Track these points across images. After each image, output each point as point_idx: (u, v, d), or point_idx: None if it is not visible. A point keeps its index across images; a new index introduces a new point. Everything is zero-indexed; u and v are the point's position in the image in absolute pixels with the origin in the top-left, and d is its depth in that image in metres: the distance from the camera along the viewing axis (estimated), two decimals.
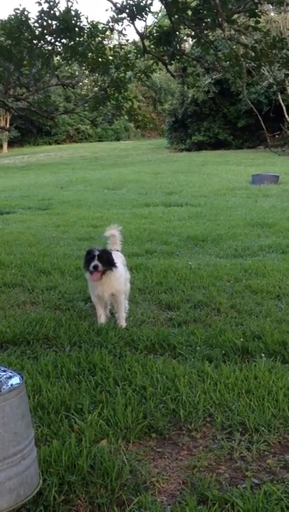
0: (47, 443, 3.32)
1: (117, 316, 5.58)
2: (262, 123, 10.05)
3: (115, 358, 4.61)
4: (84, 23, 8.43)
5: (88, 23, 8.70)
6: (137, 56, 9.29)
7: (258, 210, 13.51)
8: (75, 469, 3.05)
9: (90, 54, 9.12)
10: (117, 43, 10.04)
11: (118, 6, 7.94)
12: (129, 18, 8.01)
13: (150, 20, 28.75)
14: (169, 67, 8.85)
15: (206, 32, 7.85)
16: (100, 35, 9.05)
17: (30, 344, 5.04)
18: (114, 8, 8.26)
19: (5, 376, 2.81)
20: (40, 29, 8.25)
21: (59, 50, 8.85)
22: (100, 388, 4.04)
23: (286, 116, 34.80)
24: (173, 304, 6.15)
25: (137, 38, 8.75)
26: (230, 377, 4.11)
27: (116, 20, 8.60)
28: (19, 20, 8.20)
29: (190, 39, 8.69)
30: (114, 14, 8.53)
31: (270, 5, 9.59)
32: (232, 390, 3.95)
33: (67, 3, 8.18)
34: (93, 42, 8.98)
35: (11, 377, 2.81)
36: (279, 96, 32.71)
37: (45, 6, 8.07)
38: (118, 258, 5.67)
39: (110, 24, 8.85)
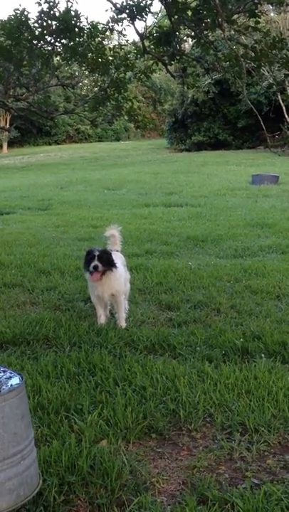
0: (47, 443, 3.32)
1: (117, 316, 5.58)
2: (262, 123, 10.06)
3: (115, 359, 4.61)
4: (84, 23, 8.45)
5: (88, 24, 8.72)
6: (137, 56, 9.29)
7: (257, 211, 13.51)
8: (75, 470, 3.05)
9: (89, 54, 9.12)
10: (116, 43, 10.05)
11: (118, 6, 7.94)
12: (129, 19, 8.01)
13: (150, 20, 28.78)
14: (168, 67, 8.86)
15: (205, 32, 7.85)
16: (100, 36, 9.05)
17: (30, 344, 5.04)
18: (114, 9, 8.27)
19: (5, 376, 2.81)
20: (40, 29, 8.25)
21: (59, 50, 8.85)
22: (99, 388, 4.04)
23: (286, 116, 34.81)
24: (173, 304, 6.15)
25: (137, 39, 8.76)
26: (230, 378, 4.12)
27: (116, 21, 8.61)
28: (19, 21, 8.20)
29: (190, 39, 8.70)
30: (114, 14, 8.54)
31: (269, 5, 9.59)
32: (232, 391, 3.95)
33: (67, 3, 8.18)
34: (93, 42, 8.98)
35: (10, 377, 2.81)
36: (279, 96, 32.71)
37: (45, 7, 8.08)
38: (118, 258, 5.68)
39: (110, 24, 8.86)
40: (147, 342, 4.94)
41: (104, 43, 9.53)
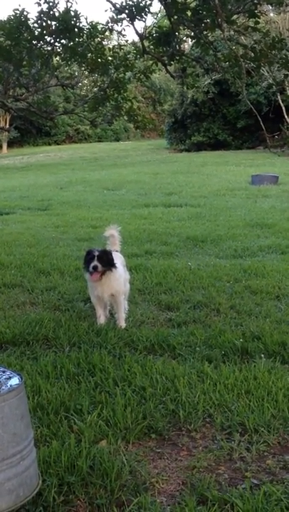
0: (46, 444, 3.32)
1: (117, 316, 5.58)
2: (261, 123, 10.05)
3: (115, 359, 4.60)
4: (83, 23, 8.45)
5: (88, 24, 8.71)
6: (137, 57, 9.29)
7: (257, 211, 13.51)
8: (74, 470, 3.05)
9: (89, 54, 9.12)
10: (116, 43, 10.05)
11: (117, 6, 7.95)
12: (128, 19, 8.01)
13: (149, 20, 28.78)
14: (168, 67, 8.86)
15: (205, 32, 7.85)
16: (100, 36, 9.05)
17: (30, 345, 5.04)
18: (113, 9, 8.27)
19: (4, 377, 2.81)
20: (39, 29, 8.25)
21: (58, 50, 8.84)
22: (99, 389, 4.04)
23: (285, 116, 34.82)
24: (172, 304, 6.15)
25: (137, 39, 8.76)
26: (229, 378, 4.11)
27: (115, 21, 8.61)
28: (18, 21, 8.20)
29: (189, 40, 8.70)
30: (114, 15, 8.54)
31: (269, 5, 9.59)
32: (231, 391, 3.95)
33: (66, 3, 8.18)
34: (93, 42, 8.98)
35: (10, 377, 2.81)
36: (278, 96, 32.72)
37: (45, 7, 8.08)
38: (117, 259, 5.67)
39: (110, 25, 8.87)
40: (147, 342, 4.94)
41: (103, 43, 9.53)
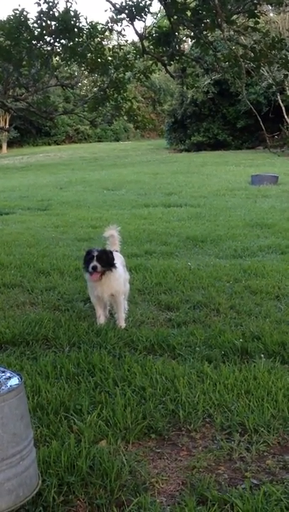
0: (46, 444, 3.32)
1: (117, 316, 5.58)
2: (261, 123, 10.03)
3: (114, 359, 4.60)
4: (83, 23, 8.46)
5: (87, 24, 8.72)
6: (136, 57, 9.29)
7: (257, 211, 13.51)
8: (74, 470, 3.05)
9: (89, 54, 9.12)
10: (116, 43, 10.05)
11: (117, 6, 7.95)
12: (128, 19, 8.02)
13: (149, 20, 28.79)
14: (168, 67, 8.86)
15: (205, 32, 7.85)
16: (99, 36, 9.06)
17: (30, 345, 5.03)
18: (113, 9, 8.27)
19: (4, 377, 2.81)
20: (39, 29, 8.25)
21: (58, 50, 8.85)
22: (99, 389, 4.04)
23: (285, 116, 34.81)
24: (172, 304, 6.15)
25: (136, 39, 8.76)
26: (229, 378, 4.11)
27: (115, 21, 8.62)
28: (18, 21, 8.20)
29: (189, 40, 8.70)
30: (114, 15, 8.55)
31: (269, 5, 9.59)
32: (231, 391, 3.94)
33: (66, 3, 8.18)
34: (92, 42, 8.99)
35: (10, 377, 2.81)
36: (278, 96, 32.71)
37: (45, 7, 8.09)
38: (117, 259, 5.67)
39: (109, 25, 8.87)
40: (147, 342, 4.94)
41: (103, 43, 9.53)
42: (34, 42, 8.45)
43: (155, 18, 9.97)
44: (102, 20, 13.80)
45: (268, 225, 11.31)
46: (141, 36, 8.13)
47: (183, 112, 42.04)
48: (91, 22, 8.81)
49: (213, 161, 31.58)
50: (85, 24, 8.60)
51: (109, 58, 9.49)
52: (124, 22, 8.39)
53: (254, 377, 4.13)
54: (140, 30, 8.15)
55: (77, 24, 8.23)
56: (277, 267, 7.79)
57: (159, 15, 10.24)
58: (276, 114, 33.97)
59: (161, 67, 9.24)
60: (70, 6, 8.17)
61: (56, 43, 8.61)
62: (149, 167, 29.36)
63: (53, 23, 8.17)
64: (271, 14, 30.01)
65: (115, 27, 8.84)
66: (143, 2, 7.75)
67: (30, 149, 51.45)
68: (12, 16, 8.27)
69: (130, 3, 7.82)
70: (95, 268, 5.33)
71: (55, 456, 3.14)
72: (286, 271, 7.52)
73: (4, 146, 52.95)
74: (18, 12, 8.22)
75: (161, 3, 7.64)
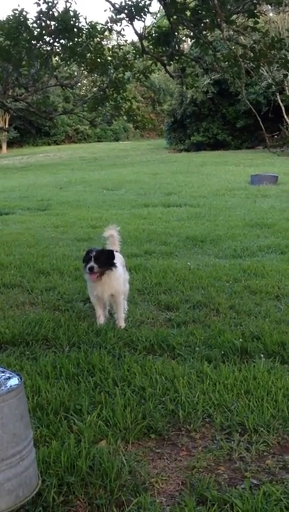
0: (46, 444, 3.32)
1: (116, 316, 5.57)
2: (261, 123, 10.02)
3: (114, 359, 4.60)
4: (82, 23, 8.47)
5: (87, 24, 8.73)
6: (136, 57, 9.29)
7: (256, 211, 13.51)
8: (74, 470, 3.05)
9: (88, 54, 9.13)
10: (115, 43, 10.06)
11: (117, 6, 7.95)
12: (127, 19, 8.02)
13: (149, 20, 28.81)
14: (167, 67, 8.86)
15: (204, 32, 7.86)
16: (99, 36, 9.06)
17: (30, 345, 5.03)
18: (112, 9, 8.28)
19: (4, 377, 2.81)
20: (38, 30, 8.26)
21: (58, 50, 8.86)
22: (99, 389, 4.04)
23: (285, 116, 34.81)
24: (172, 304, 6.15)
25: (136, 39, 8.77)
26: (229, 378, 4.11)
27: (115, 21, 8.62)
28: (18, 21, 8.20)
29: (189, 39, 8.69)
30: (113, 15, 8.55)
31: (268, 5, 9.59)
32: (231, 391, 3.94)
33: (65, 3, 8.18)
34: (92, 42, 8.99)
35: (9, 378, 2.80)
36: (278, 96, 32.70)
37: (44, 7, 8.10)
38: (117, 259, 5.66)
39: (109, 25, 8.87)
40: (146, 342, 4.94)
41: (103, 43, 9.54)
42: (34, 42, 8.46)
43: (155, 18, 9.99)
44: (101, 20, 13.78)
45: (267, 225, 11.31)
46: (140, 36, 8.13)
47: (182, 111, 42.05)
48: (90, 22, 8.83)
49: (213, 160, 31.58)
50: (85, 24, 8.63)
51: (109, 58, 9.50)
52: (124, 22, 8.41)
53: (254, 377, 4.13)
54: (140, 30, 8.16)
55: (77, 24, 8.24)
56: (277, 266, 7.79)
57: (158, 15, 10.26)
58: (276, 114, 33.94)
59: (161, 67, 9.24)
60: (70, 6, 8.19)
61: (56, 43, 8.62)
62: (149, 167, 29.36)
63: (53, 23, 8.18)
64: (271, 14, 30.01)
65: (115, 27, 8.86)
66: (142, 2, 7.75)
67: (30, 149, 51.45)
68: (11, 16, 8.28)
69: (130, 3, 7.82)
70: (91, 269, 5.33)
71: (54, 456, 3.14)
72: (286, 271, 7.52)
73: (4, 146, 52.96)
74: (17, 12, 8.23)
75: (160, 3, 7.64)
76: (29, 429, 2.79)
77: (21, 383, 2.76)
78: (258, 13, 7.43)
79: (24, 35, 8.30)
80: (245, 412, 3.65)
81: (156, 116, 57.58)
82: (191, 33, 7.95)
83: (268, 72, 12.94)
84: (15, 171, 32.60)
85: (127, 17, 7.99)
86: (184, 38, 8.77)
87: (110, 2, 7.97)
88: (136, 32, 8.12)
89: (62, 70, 12.69)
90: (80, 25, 8.30)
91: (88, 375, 4.29)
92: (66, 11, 8.12)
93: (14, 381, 2.77)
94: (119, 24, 8.63)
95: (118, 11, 8.09)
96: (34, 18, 8.19)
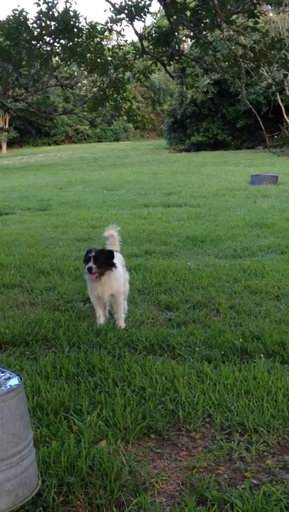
0: (46, 444, 3.32)
1: (116, 316, 5.57)
2: (261, 123, 10.02)
3: (114, 359, 4.60)
4: (82, 23, 8.48)
5: (87, 24, 8.73)
6: (136, 57, 9.29)
7: (257, 211, 13.51)
8: (74, 470, 3.05)
9: (88, 55, 9.13)
10: (115, 43, 10.06)
11: (117, 6, 7.95)
12: (127, 19, 8.02)
13: (149, 20, 28.81)
14: (167, 67, 8.86)
15: (204, 32, 7.86)
16: (99, 36, 9.07)
17: (29, 345, 5.03)
18: (112, 9, 8.28)
19: (4, 377, 2.81)
20: (38, 30, 8.26)
21: (58, 50, 8.86)
22: (99, 389, 4.04)
23: (285, 116, 34.81)
24: (172, 304, 6.15)
25: (136, 39, 8.77)
26: (229, 378, 4.11)
27: (115, 21, 8.63)
28: (18, 21, 8.21)
29: (189, 40, 8.69)
30: (113, 15, 8.55)
31: (268, 5, 9.60)
32: (231, 391, 3.94)
33: (65, 3, 8.19)
34: (92, 42, 9.00)
35: (9, 378, 2.81)
36: (278, 96, 32.70)
37: (44, 7, 8.10)
38: (117, 259, 5.66)
39: (109, 25, 8.88)
40: (146, 342, 4.94)
41: (103, 43, 9.54)
42: (34, 42, 8.46)
43: (155, 18, 9.99)
44: (101, 21, 13.79)
45: (267, 225, 11.31)
46: (140, 36, 8.13)
47: (182, 111, 42.05)
48: (90, 22, 8.83)
49: (213, 161, 31.58)
50: (85, 24, 8.63)
51: (109, 58, 9.50)
52: (124, 22, 8.42)
53: (254, 377, 4.13)
54: (140, 30, 8.16)
55: (77, 24, 8.24)
56: (277, 266, 7.79)
57: (158, 15, 10.26)
58: (276, 114, 33.91)
59: (161, 67, 9.24)
60: (70, 6, 8.19)
61: (56, 43, 8.62)
62: (149, 167, 29.36)
63: (53, 23, 8.18)
64: (271, 14, 30.00)
65: (115, 27, 8.86)
66: (142, 2, 7.76)
67: (30, 149, 51.45)
68: (11, 16, 8.28)
69: (130, 3, 7.82)
70: (90, 269, 5.33)
71: (54, 456, 3.14)
72: (286, 271, 7.51)
73: (4, 146, 52.96)
74: (17, 12, 8.23)
75: (160, 3, 7.64)
76: (29, 429, 2.79)
77: (21, 383, 2.76)
78: (258, 13, 7.43)
79: (24, 35, 8.31)
80: (245, 412, 3.65)
81: (156, 117, 57.60)
82: (191, 33, 7.95)
83: (268, 72, 12.95)
84: (15, 171, 32.60)
85: (127, 17, 7.99)
86: (184, 38, 8.78)
87: (110, 2, 7.98)
88: (136, 32, 8.12)
89: (63, 70, 12.68)
90: (80, 25, 8.31)
91: (88, 375, 4.29)
92: (66, 11, 8.12)
93: (14, 381, 2.77)
94: (119, 24, 8.65)
95: (118, 11, 8.09)
96: (34, 19, 8.20)
